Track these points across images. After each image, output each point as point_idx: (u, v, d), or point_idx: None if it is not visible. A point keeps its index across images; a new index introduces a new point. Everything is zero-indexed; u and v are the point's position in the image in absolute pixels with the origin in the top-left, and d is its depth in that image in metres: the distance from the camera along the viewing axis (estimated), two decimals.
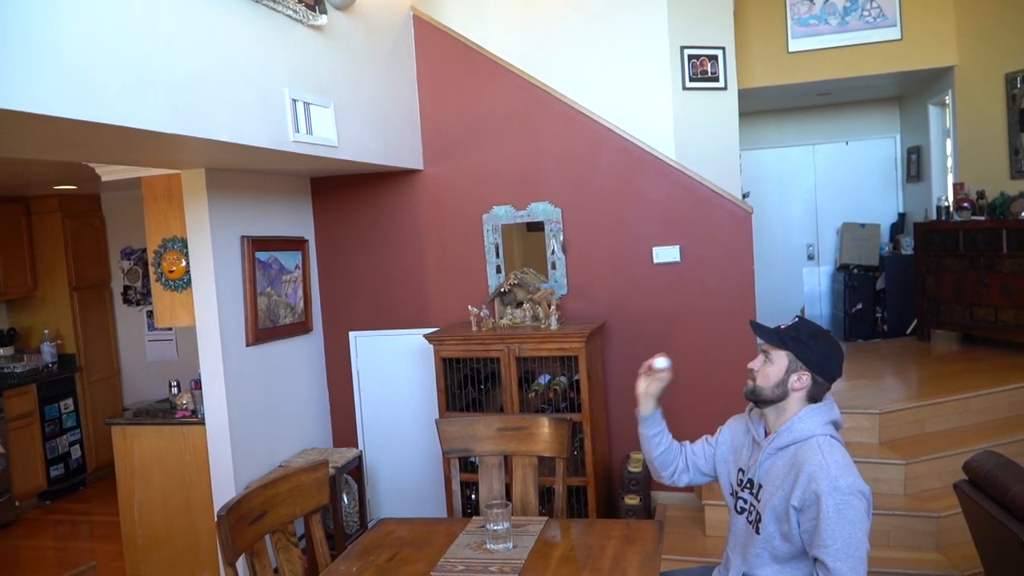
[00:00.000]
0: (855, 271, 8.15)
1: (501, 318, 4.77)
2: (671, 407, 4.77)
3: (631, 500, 4.52)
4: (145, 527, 4.71)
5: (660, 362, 2.73)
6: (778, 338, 2.44)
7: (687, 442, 2.84)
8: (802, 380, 2.40)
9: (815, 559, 2.22)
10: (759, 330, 2.50)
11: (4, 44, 2.03)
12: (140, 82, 2.55)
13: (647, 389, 2.76)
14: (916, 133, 8.21)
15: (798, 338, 2.41)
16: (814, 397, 2.42)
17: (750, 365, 2.50)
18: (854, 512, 2.18)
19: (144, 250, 7.16)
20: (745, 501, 2.52)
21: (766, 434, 2.51)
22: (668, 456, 2.79)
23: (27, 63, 2.09)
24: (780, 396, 2.42)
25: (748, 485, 2.52)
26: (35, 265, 6.89)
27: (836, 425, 2.42)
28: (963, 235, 6.27)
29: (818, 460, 2.26)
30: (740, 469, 2.60)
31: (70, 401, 6.83)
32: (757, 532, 2.41)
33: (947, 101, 7.40)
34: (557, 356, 4.47)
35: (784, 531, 2.31)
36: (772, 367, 2.43)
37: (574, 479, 4.39)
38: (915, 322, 7.28)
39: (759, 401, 2.49)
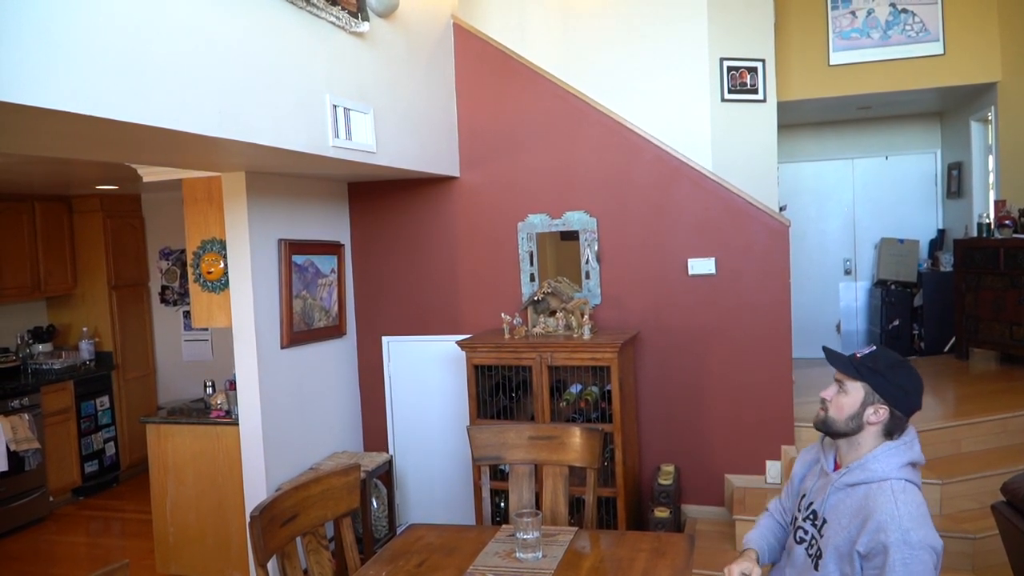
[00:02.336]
0: (892, 287, 8.05)
1: (534, 326, 4.76)
2: (705, 423, 4.76)
3: (661, 512, 4.48)
4: (177, 525, 4.76)
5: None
6: (854, 369, 2.28)
7: (770, 515, 2.72)
8: (879, 414, 2.25)
9: None
10: (833, 358, 2.35)
11: (58, 47, 2.07)
12: (186, 86, 2.59)
13: None
14: (957, 149, 8.10)
15: (876, 369, 2.25)
16: (890, 432, 2.27)
17: (822, 394, 2.35)
18: (922, 567, 2.07)
19: (182, 251, 7.25)
20: (806, 532, 2.39)
21: (836, 466, 2.38)
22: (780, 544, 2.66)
23: (77, 65, 2.13)
24: (854, 429, 2.28)
25: (812, 517, 2.38)
26: (75, 263, 6.99)
27: (915, 464, 2.27)
28: (1004, 253, 6.16)
29: (890, 509, 2.12)
30: (803, 495, 2.47)
31: (106, 398, 6.92)
32: (816, 568, 2.28)
33: (990, 117, 7.29)
34: (589, 366, 4.46)
35: (845, 573, 2.19)
36: (847, 398, 2.28)
37: (604, 490, 4.37)
38: (953, 340, 7.17)
39: (831, 434, 2.35)
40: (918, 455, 2.27)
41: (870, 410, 2.25)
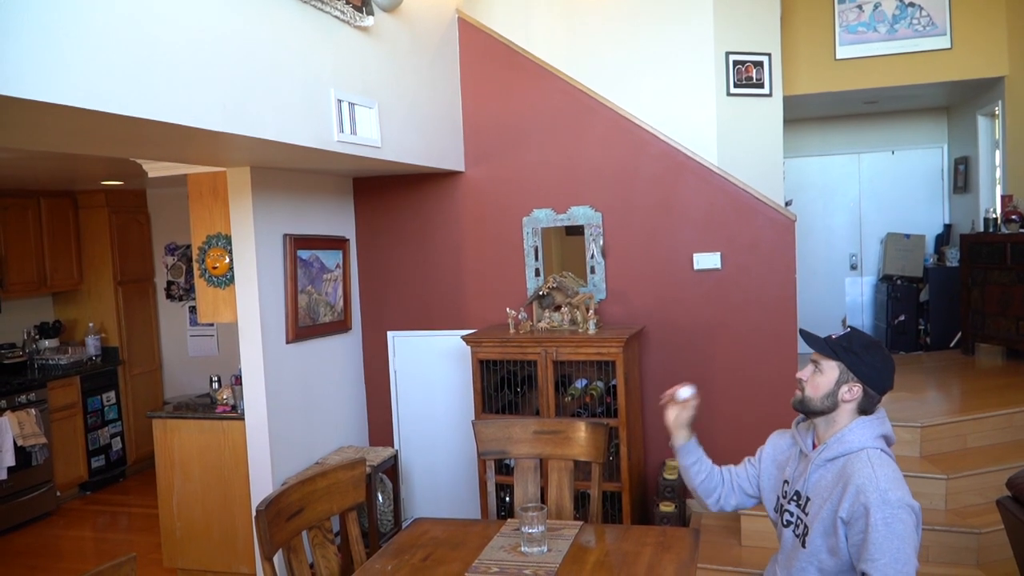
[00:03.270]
0: (898, 282, 8.04)
1: (539, 321, 4.76)
2: (710, 419, 4.75)
3: (666, 507, 4.49)
4: (183, 520, 4.77)
5: (684, 392, 2.70)
6: (830, 348, 2.39)
7: (730, 466, 2.81)
8: (853, 392, 2.36)
9: (862, 573, 2.16)
10: (810, 339, 2.46)
11: (62, 42, 2.07)
12: (191, 80, 2.59)
13: (677, 419, 2.74)
14: (964, 143, 8.08)
15: (850, 349, 2.36)
16: (864, 409, 2.38)
17: (799, 375, 2.45)
18: (903, 527, 2.13)
19: (188, 246, 7.26)
20: (791, 514, 2.47)
21: (814, 446, 2.47)
22: (710, 483, 2.76)
23: (79, 59, 2.14)
24: (830, 407, 2.38)
25: (795, 498, 2.47)
26: (81, 259, 7.01)
27: (887, 440, 2.37)
28: (1011, 248, 6.14)
29: (868, 472, 2.21)
30: (786, 481, 2.55)
31: (112, 394, 6.94)
32: (803, 546, 2.36)
33: (997, 112, 7.27)
34: (594, 361, 4.45)
35: (831, 545, 2.27)
36: (822, 378, 2.39)
37: (609, 484, 4.37)
38: (959, 335, 7.16)
39: (808, 412, 2.44)
40: (890, 431, 2.40)
41: (844, 388, 2.36)
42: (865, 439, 2.32)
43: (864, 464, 2.25)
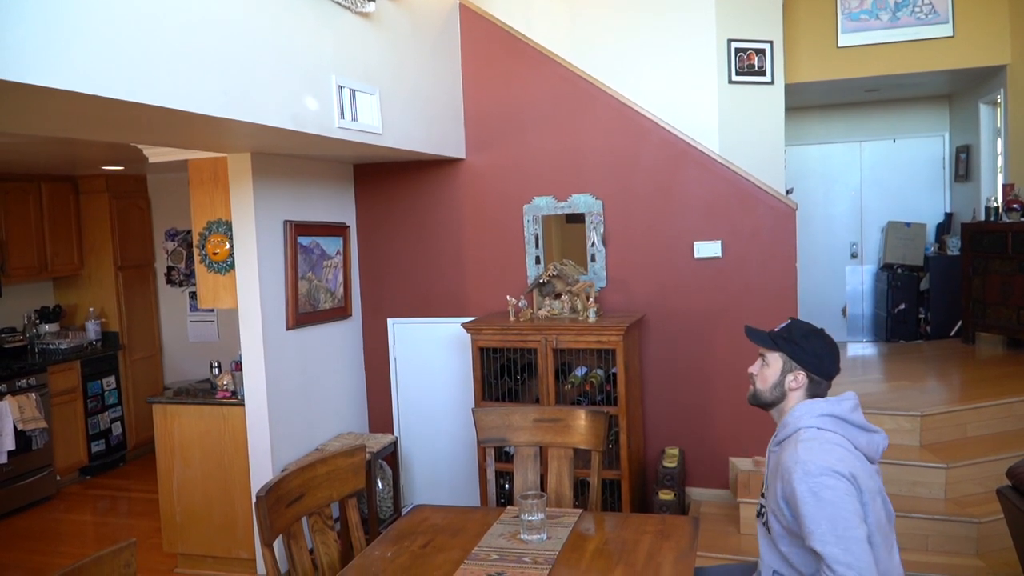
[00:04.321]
0: (899, 271, 8.03)
1: (539, 309, 4.76)
2: (710, 407, 4.76)
3: (665, 495, 4.50)
4: (183, 505, 4.78)
5: None
6: (771, 340, 2.47)
7: None
8: (798, 379, 2.42)
9: (813, 552, 2.17)
10: (752, 334, 2.54)
11: (63, 26, 2.06)
12: (192, 66, 2.58)
13: None
14: (966, 132, 8.06)
15: (790, 339, 2.43)
16: (814, 394, 2.43)
17: (750, 370, 2.54)
18: (831, 492, 2.13)
19: (188, 232, 7.25)
20: (759, 503, 2.54)
21: None
22: None
23: (79, 43, 2.13)
24: (779, 397, 2.46)
25: (763, 487, 2.53)
26: (82, 244, 7.00)
27: (840, 419, 2.33)
28: (1012, 237, 6.14)
29: (791, 451, 2.26)
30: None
31: (112, 379, 6.94)
32: (769, 531, 2.41)
33: (999, 100, 7.25)
34: (594, 349, 4.46)
35: (786, 526, 2.30)
36: (768, 369, 2.47)
37: (608, 472, 4.38)
38: (959, 324, 7.16)
39: (761, 404, 2.51)
40: (845, 412, 2.36)
41: (790, 377, 2.43)
42: (802, 419, 2.35)
43: (791, 446, 2.28)
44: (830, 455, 2.20)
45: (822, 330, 2.49)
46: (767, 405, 2.49)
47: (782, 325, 2.50)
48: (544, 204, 4.97)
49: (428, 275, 5.29)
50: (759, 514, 2.52)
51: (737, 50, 5.78)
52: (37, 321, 6.76)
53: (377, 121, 3.89)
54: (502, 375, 4.69)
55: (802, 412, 2.37)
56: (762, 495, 2.53)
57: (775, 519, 2.35)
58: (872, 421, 2.46)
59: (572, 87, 4.90)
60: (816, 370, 2.41)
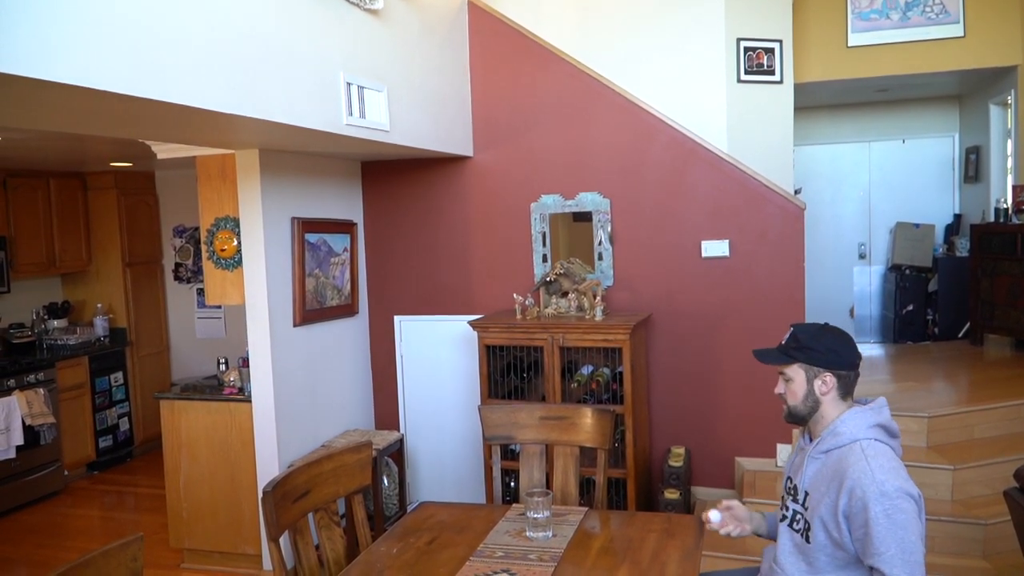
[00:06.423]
0: (907, 272, 8.00)
1: (546, 307, 4.76)
2: (716, 408, 4.75)
3: (671, 494, 4.49)
4: (190, 500, 4.79)
5: (713, 522, 2.62)
6: (783, 354, 2.43)
7: None
8: (826, 382, 2.37)
9: (871, 568, 2.15)
10: (762, 355, 2.49)
11: (71, 21, 2.06)
12: (200, 62, 2.58)
13: (731, 534, 2.65)
14: (976, 133, 8.02)
15: (800, 345, 2.39)
16: (846, 392, 2.38)
17: (776, 391, 2.48)
18: (904, 516, 2.11)
19: (196, 228, 7.26)
20: (788, 509, 2.48)
21: (811, 440, 2.46)
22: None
23: (90, 39, 2.13)
24: (813, 407, 2.40)
25: (793, 492, 2.47)
26: (90, 240, 7.03)
27: (886, 430, 2.34)
28: (1021, 239, 6.11)
29: (862, 465, 2.19)
30: (788, 477, 2.56)
31: (120, 374, 6.97)
32: (808, 541, 2.35)
33: (1009, 101, 7.21)
34: (601, 347, 4.45)
35: (835, 539, 2.25)
36: (793, 384, 2.41)
37: (614, 471, 4.38)
38: (967, 326, 7.13)
39: (799, 420, 2.46)
40: (888, 420, 2.35)
41: (817, 382, 2.38)
42: (858, 430, 2.30)
43: (858, 457, 2.23)
44: (899, 474, 2.19)
45: (826, 324, 2.46)
46: (805, 419, 2.43)
47: (786, 336, 2.46)
48: (551, 202, 4.97)
49: (435, 273, 5.29)
50: (792, 521, 2.46)
51: (746, 49, 5.77)
52: (45, 317, 6.78)
53: (385, 118, 3.90)
54: (508, 373, 4.69)
55: (853, 423, 2.32)
56: (792, 500, 2.46)
57: (823, 530, 2.29)
58: None
59: (580, 85, 4.89)
60: (838, 365, 2.36)
